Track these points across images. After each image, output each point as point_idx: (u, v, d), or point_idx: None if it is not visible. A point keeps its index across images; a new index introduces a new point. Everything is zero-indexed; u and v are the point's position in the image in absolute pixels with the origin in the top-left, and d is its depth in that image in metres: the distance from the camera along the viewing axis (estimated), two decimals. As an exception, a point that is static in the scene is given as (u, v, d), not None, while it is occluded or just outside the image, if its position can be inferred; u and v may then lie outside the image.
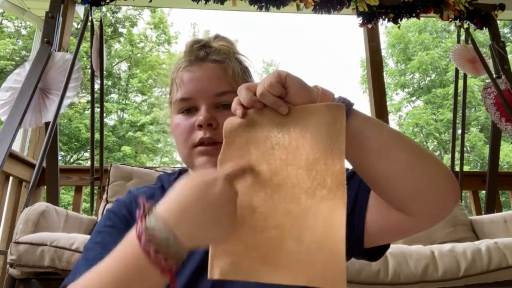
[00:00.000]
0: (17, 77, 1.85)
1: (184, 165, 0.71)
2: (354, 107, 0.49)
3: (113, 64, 13.01)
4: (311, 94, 0.47)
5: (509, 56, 2.48)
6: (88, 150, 11.40)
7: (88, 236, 1.22)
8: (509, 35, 13.29)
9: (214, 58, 0.67)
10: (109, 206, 1.77)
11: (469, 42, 2.40)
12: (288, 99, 0.46)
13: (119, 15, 13.16)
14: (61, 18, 2.00)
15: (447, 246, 1.24)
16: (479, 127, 11.97)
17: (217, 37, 0.73)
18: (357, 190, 0.57)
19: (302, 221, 0.43)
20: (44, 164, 1.87)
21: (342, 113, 0.45)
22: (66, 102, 1.89)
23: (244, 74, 0.69)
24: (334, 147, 0.44)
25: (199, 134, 0.62)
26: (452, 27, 11.42)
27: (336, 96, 0.49)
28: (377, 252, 0.59)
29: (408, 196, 0.48)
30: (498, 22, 2.49)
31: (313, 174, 0.44)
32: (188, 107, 0.65)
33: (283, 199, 0.44)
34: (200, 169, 0.63)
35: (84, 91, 10.14)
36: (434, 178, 0.48)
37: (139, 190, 0.71)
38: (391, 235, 0.56)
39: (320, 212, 0.43)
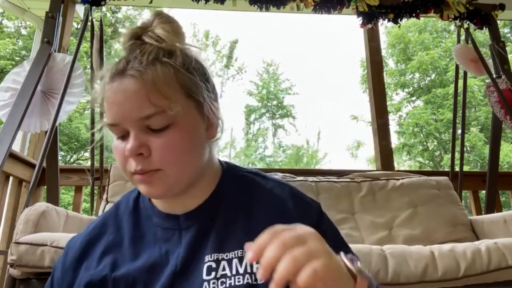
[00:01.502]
0: (16, 77, 1.84)
1: None
2: None
3: (113, 64, 13.00)
4: None
5: (509, 56, 2.47)
6: (88, 150, 11.39)
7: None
8: (509, 35, 13.28)
9: (132, 73, 0.53)
10: (108, 206, 1.78)
11: (469, 42, 2.40)
12: None
13: (119, 15, 13.16)
14: (61, 18, 2.00)
15: (447, 246, 1.24)
16: (479, 127, 11.96)
17: (158, 16, 0.57)
18: None
19: None
20: (44, 164, 1.87)
21: None
22: (69, 107, 1.88)
23: (182, 74, 0.55)
24: None
25: (132, 164, 0.54)
26: (452, 27, 11.43)
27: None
28: None
29: None
30: (498, 22, 2.49)
31: None
32: (119, 134, 0.56)
33: None
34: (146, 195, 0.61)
35: (84, 91, 10.13)
36: None
37: (92, 225, 0.67)
38: None
39: None
